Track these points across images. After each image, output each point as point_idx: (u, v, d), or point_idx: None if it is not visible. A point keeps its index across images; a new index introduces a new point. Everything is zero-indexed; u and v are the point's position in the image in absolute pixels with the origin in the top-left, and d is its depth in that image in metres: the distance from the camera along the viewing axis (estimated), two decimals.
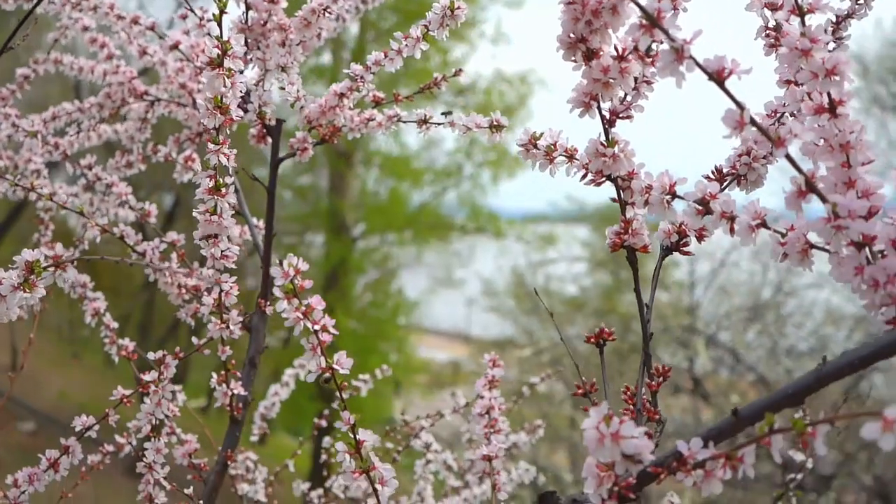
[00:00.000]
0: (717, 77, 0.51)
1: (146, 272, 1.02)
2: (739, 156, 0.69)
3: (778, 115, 0.70)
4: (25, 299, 0.70)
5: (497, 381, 0.96)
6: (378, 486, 0.65)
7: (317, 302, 0.63)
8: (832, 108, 0.54)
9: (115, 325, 1.10)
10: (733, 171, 0.69)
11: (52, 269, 0.69)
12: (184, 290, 1.01)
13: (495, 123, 0.83)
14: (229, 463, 0.98)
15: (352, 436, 0.65)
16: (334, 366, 0.63)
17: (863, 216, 0.51)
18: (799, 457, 1.27)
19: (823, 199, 0.51)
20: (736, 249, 6.61)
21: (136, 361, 1.03)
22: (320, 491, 1.34)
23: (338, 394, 0.64)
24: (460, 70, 0.99)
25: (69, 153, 1.15)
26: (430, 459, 1.24)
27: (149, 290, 8.39)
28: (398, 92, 1.00)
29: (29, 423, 6.83)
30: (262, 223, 1.12)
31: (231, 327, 0.92)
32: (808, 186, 0.52)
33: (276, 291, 0.61)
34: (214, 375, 0.97)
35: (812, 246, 0.55)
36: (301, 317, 0.62)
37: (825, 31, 0.58)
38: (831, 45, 0.72)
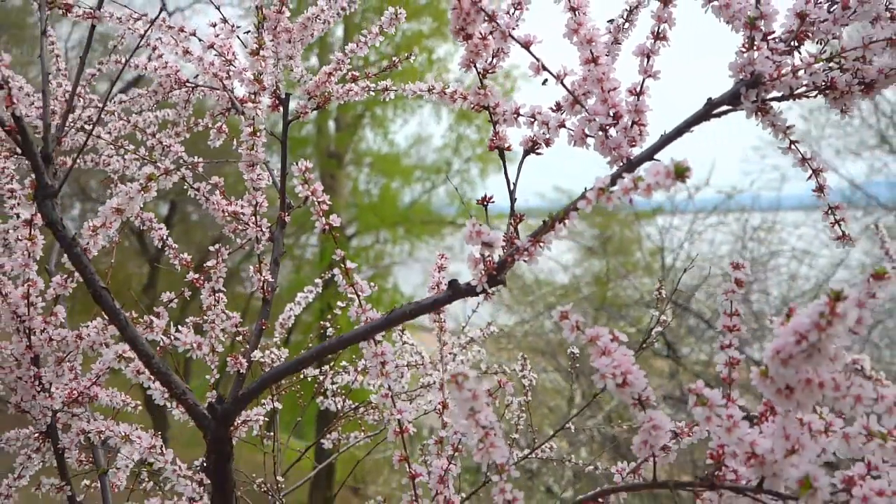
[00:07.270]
0: (525, 45, 0.98)
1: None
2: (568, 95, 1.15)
3: None
4: (144, 198, 1.16)
5: (445, 268, 1.43)
6: (359, 293, 1.11)
7: (319, 186, 1.09)
8: (594, 60, 1.01)
9: (175, 246, 1.56)
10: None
11: (162, 176, 1.16)
12: (225, 213, 1.47)
13: (431, 87, 1.29)
14: (263, 329, 1.44)
15: (343, 265, 1.11)
16: (331, 222, 1.09)
17: (604, 114, 0.98)
18: None
19: (583, 106, 0.98)
20: (699, 221, 7.13)
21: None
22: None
23: (337, 247, 1.10)
24: (410, 54, 1.46)
25: (144, 129, 1.61)
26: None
27: (149, 295, 8.81)
28: (368, 71, 1.47)
29: None
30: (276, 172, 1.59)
31: (263, 230, 1.38)
32: (575, 101, 0.99)
33: (294, 178, 1.08)
34: (251, 267, 1.44)
35: (586, 135, 1.02)
36: (310, 194, 1.08)
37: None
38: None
